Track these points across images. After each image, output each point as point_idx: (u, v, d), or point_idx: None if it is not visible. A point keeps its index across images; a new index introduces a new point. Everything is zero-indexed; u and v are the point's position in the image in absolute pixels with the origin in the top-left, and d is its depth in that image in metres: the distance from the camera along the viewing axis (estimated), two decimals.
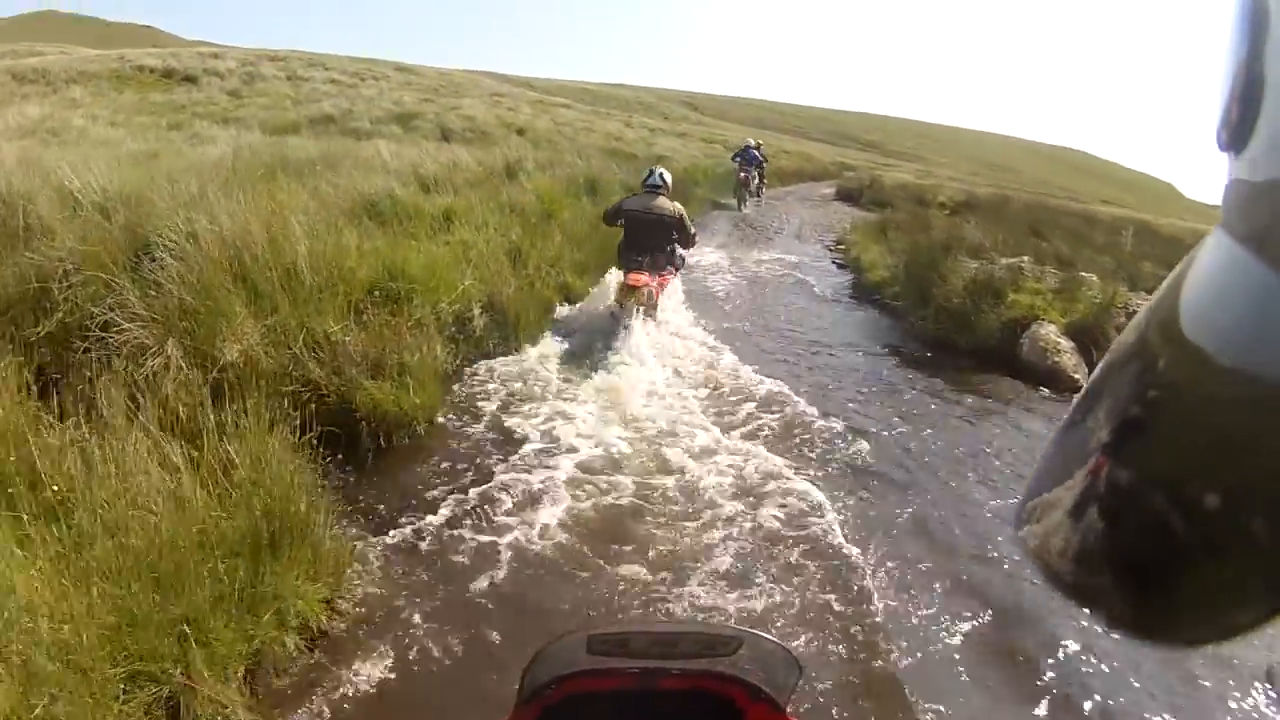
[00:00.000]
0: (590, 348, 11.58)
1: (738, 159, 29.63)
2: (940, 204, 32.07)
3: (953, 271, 15.39)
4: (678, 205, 12.75)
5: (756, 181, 29.89)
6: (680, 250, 12.98)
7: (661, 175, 12.94)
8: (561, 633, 1.92)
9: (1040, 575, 0.58)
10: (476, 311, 11.05)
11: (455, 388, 9.99)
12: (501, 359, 11.10)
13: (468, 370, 10.50)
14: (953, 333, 13.97)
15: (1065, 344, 12.92)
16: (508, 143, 24.90)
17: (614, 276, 12.70)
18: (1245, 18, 0.43)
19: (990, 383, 12.37)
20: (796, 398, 10.43)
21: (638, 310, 11.50)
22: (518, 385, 10.40)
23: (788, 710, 1.89)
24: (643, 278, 11.64)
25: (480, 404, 9.78)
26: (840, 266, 21.50)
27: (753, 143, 30.41)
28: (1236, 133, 0.44)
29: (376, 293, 10.00)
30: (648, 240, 12.36)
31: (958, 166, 62.90)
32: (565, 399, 10.08)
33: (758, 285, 18.18)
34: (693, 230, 13.09)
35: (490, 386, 10.32)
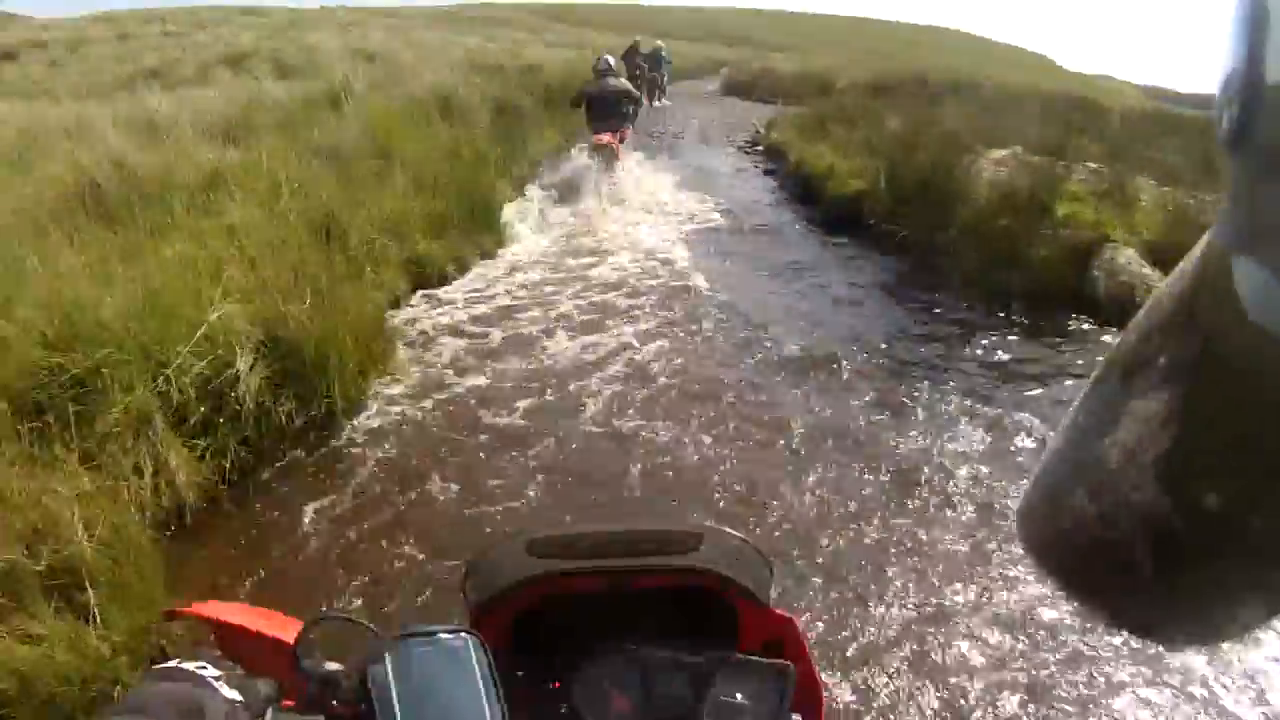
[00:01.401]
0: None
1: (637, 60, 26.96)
2: (840, 90, 27.26)
3: (969, 177, 10.88)
4: (623, 80, 16.05)
5: (665, 80, 29.80)
6: (631, 110, 15.96)
7: (608, 61, 15.92)
8: (493, 541, 1.99)
9: (1041, 571, 0.56)
10: (244, 365, 6.01)
11: (204, 552, 5.26)
12: (299, 451, 6.33)
13: (228, 499, 5.71)
14: (995, 268, 9.33)
15: (1151, 274, 8.75)
16: (351, 70, 19.01)
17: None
18: (1245, 18, 0.41)
19: (1076, 342, 8.41)
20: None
21: (610, 161, 14.57)
22: (325, 519, 5.61)
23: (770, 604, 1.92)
24: (605, 138, 14.56)
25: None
26: (773, 175, 16.97)
27: (661, 45, 29.99)
28: (1236, 133, 0.41)
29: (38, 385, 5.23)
30: (607, 111, 15.04)
31: (835, 55, 58.25)
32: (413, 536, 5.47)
33: (681, 218, 13.57)
34: (639, 95, 17.29)
35: (281, 533, 5.50)
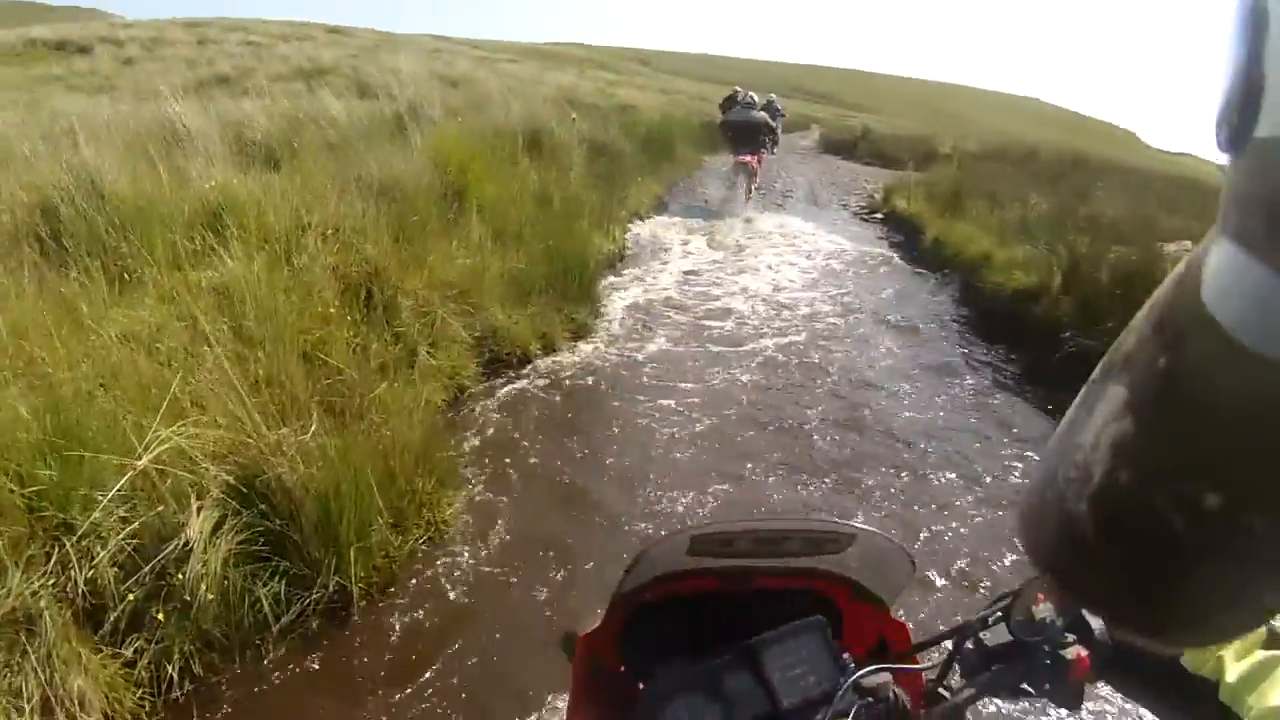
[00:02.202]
0: None
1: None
2: (946, 156, 25.49)
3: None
4: (764, 115, 18.35)
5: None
6: (768, 141, 18.61)
7: (751, 96, 19.13)
8: (666, 534, 1.79)
9: (1040, 572, 0.54)
10: (200, 528, 3.69)
11: None
12: (287, 652, 3.98)
13: None
14: None
15: None
16: (426, 93, 16.51)
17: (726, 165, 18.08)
18: (1245, 20, 0.40)
19: None
20: None
21: (749, 179, 17.08)
22: None
23: (893, 609, 1.92)
24: (747, 158, 16.90)
25: None
26: (902, 251, 14.11)
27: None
28: (1236, 134, 0.41)
29: None
30: (749, 138, 17.50)
31: (915, 117, 57.36)
32: None
33: (804, 303, 10.63)
34: (777, 130, 19.99)
35: None
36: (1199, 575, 0.44)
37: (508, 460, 5.78)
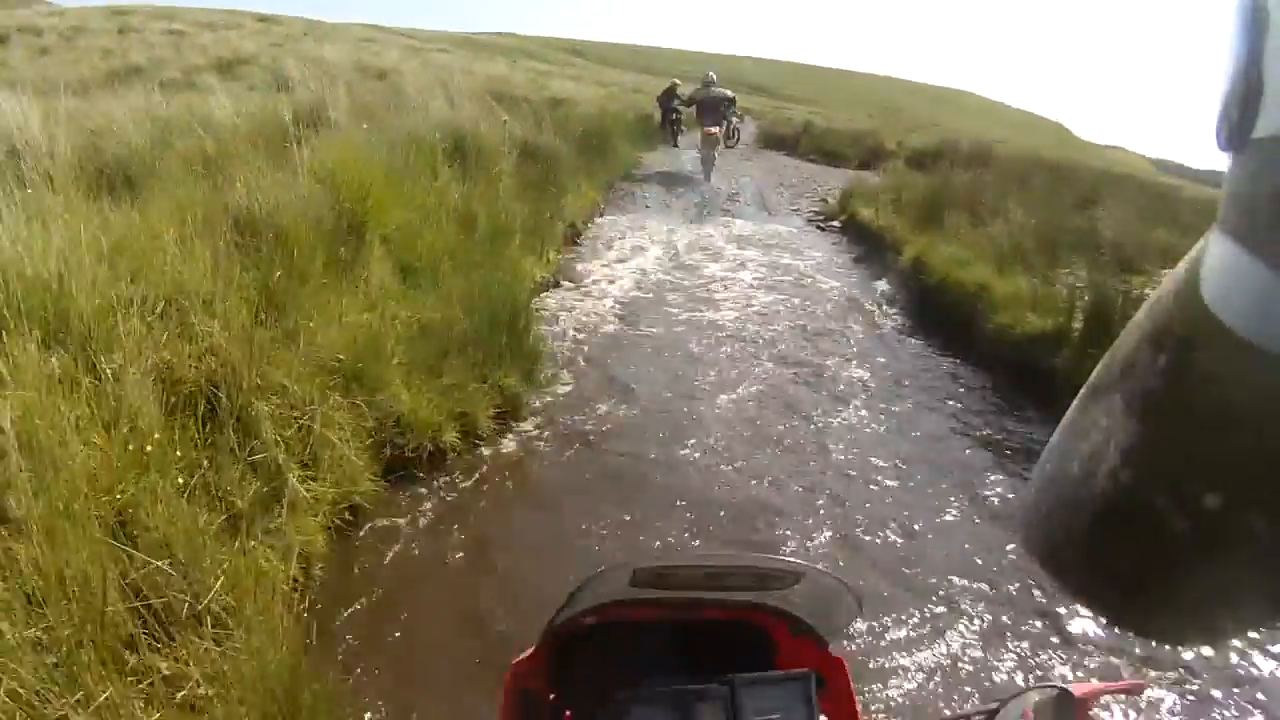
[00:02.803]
0: None
1: (675, 102, 25.62)
2: (891, 152, 25.16)
3: None
4: (727, 90, 22.75)
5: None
6: (730, 110, 22.79)
7: (712, 75, 22.90)
8: (608, 565, 1.77)
9: (1042, 571, 0.55)
10: None
11: None
12: None
13: None
14: None
15: None
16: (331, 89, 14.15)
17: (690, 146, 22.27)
18: (1245, 19, 0.41)
19: None
20: None
21: (714, 147, 19.91)
22: None
23: (832, 647, 1.95)
24: (715, 130, 20.07)
25: None
26: (868, 268, 12.54)
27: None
28: (1236, 133, 0.42)
29: None
30: (714, 110, 20.94)
31: (851, 109, 56.38)
32: None
33: (771, 348, 8.89)
34: (734, 97, 23.79)
35: None
36: (1200, 575, 0.44)
37: (403, 642, 3.99)
